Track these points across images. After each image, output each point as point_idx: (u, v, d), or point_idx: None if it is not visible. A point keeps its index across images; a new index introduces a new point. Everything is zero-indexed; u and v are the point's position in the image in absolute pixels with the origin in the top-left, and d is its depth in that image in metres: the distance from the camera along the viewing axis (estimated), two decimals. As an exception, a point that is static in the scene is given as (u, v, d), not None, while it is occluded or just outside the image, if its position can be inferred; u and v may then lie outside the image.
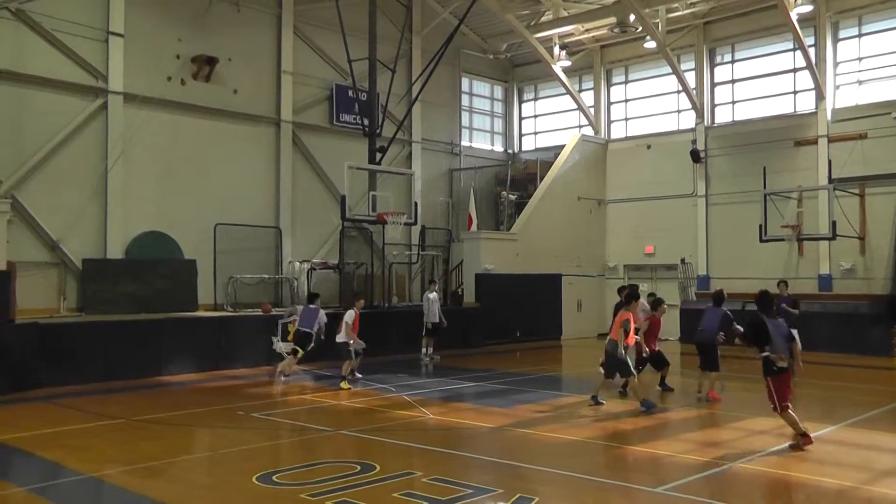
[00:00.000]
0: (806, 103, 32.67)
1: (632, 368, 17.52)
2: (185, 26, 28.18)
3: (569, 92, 38.56)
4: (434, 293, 26.98)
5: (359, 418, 16.43)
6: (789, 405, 13.49)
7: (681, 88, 35.35)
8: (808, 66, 31.21)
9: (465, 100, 40.06)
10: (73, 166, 25.55)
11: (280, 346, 23.44)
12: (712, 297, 19.77)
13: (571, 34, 37.72)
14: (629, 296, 18.08)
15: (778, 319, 13.84)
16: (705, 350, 18.93)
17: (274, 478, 11.48)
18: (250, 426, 15.69)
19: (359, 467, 11.96)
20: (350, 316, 21.16)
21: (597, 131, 38.63)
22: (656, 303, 19.52)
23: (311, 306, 21.96)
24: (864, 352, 27.25)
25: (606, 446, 14.18)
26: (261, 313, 25.78)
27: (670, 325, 31.63)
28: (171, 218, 27.45)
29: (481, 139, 41.23)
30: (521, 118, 42.85)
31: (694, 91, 35.00)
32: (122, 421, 16.20)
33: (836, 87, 31.90)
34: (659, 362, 19.70)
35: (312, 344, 21.71)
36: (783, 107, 33.44)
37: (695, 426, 16.17)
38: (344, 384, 20.59)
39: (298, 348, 21.72)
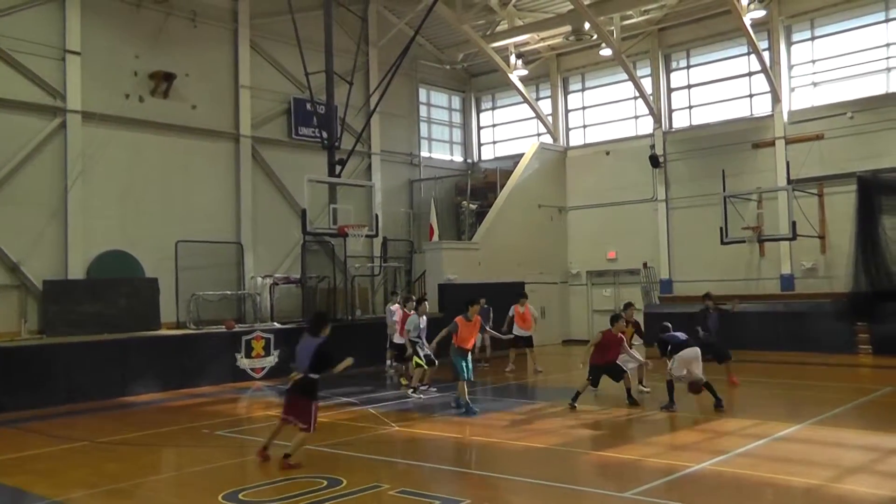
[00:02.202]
0: (762, 106, 32.93)
1: (463, 374, 18.59)
2: (141, 43, 28.01)
3: (526, 101, 38.67)
4: (396, 305, 26.90)
5: (324, 433, 16.34)
6: (283, 418, 13.68)
7: (637, 94, 35.55)
8: (763, 70, 31.48)
9: (423, 110, 40.10)
10: (32, 187, 25.28)
11: (244, 362, 23.42)
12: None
13: (527, 43, 37.81)
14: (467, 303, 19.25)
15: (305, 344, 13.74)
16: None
17: (240, 496, 11.41)
18: (216, 444, 15.59)
19: (325, 482, 11.91)
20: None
21: (555, 139, 38.73)
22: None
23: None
24: (827, 350, 27.54)
25: (573, 452, 14.18)
26: (224, 330, 25.69)
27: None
28: (131, 236, 27.23)
29: (440, 149, 41.25)
30: (479, 128, 42.92)
31: (651, 97, 35.18)
32: (87, 443, 16.06)
33: (792, 90, 32.20)
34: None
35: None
36: (740, 110, 33.69)
37: (661, 429, 16.22)
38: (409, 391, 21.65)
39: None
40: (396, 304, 26.45)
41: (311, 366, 13.27)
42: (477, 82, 42.34)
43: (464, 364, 18.57)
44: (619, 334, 19.19)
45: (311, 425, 13.23)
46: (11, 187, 24.93)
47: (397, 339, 23.00)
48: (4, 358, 20.50)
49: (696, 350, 17.92)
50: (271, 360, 25.56)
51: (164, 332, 25.68)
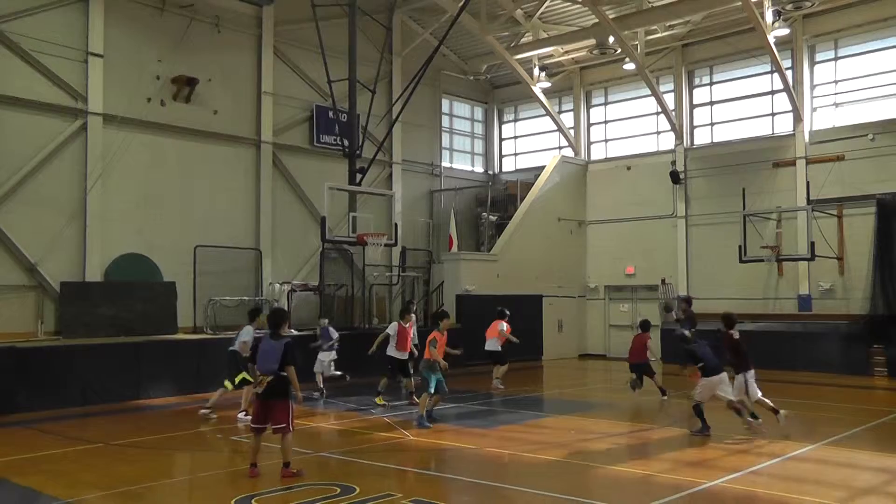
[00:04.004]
0: (784, 125, 32.84)
1: (432, 387, 18.45)
2: (165, 47, 28.11)
3: (549, 113, 38.66)
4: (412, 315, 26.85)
5: (339, 440, 16.39)
6: (255, 427, 13.33)
7: (660, 110, 35.46)
8: (786, 89, 31.39)
9: (445, 121, 40.15)
10: (51, 188, 25.40)
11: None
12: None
13: (551, 56, 37.85)
14: (438, 316, 20.22)
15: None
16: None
17: (253, 501, 11.42)
18: (230, 449, 15.62)
19: (338, 489, 11.90)
20: (393, 328, 21.78)
21: (577, 152, 38.71)
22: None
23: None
24: (843, 371, 27.44)
25: (587, 466, 14.13)
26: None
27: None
28: (150, 240, 27.32)
29: (461, 160, 41.30)
30: (501, 139, 42.95)
31: (673, 113, 35.13)
32: (101, 445, 16.10)
33: (814, 110, 32.09)
34: None
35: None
36: (761, 129, 33.60)
37: (674, 445, 16.15)
38: (378, 399, 21.20)
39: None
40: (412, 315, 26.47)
41: (281, 365, 13.01)
42: (500, 94, 42.38)
43: (434, 377, 18.62)
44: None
45: (289, 424, 13.03)
46: (31, 188, 25.05)
47: (391, 352, 22.30)
48: (20, 359, 20.55)
49: (724, 375, 17.05)
50: (287, 366, 25.46)
51: (180, 336, 25.73)
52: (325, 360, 23.35)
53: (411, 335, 21.43)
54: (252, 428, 13.38)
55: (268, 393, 13.10)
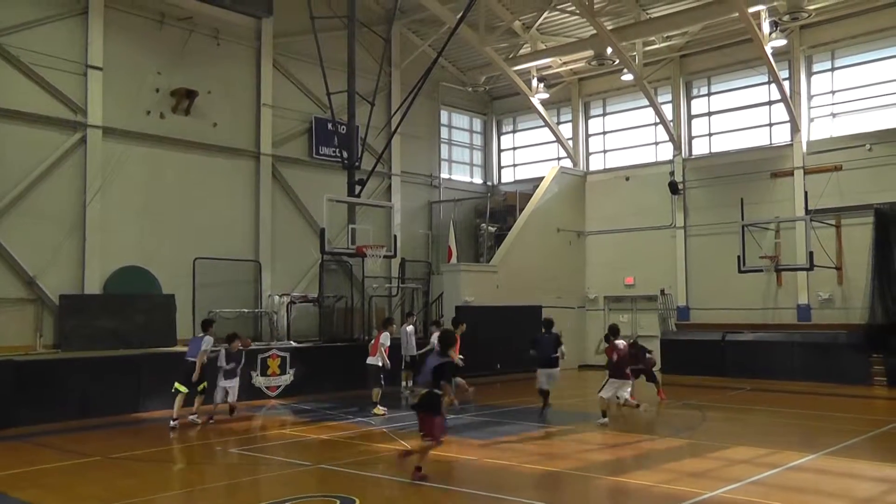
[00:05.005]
0: (781, 135, 32.91)
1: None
2: (164, 59, 28.18)
3: (547, 124, 38.69)
4: (411, 326, 26.90)
5: (338, 452, 16.35)
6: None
7: (658, 121, 35.49)
8: (783, 99, 31.46)
9: (444, 132, 40.20)
10: (50, 201, 25.42)
11: (260, 380, 23.46)
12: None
13: (549, 67, 37.89)
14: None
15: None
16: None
17: (252, 513, 11.44)
18: (229, 462, 15.60)
19: (338, 501, 11.89)
20: (386, 338, 22.36)
21: (575, 163, 38.73)
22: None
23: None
24: (842, 381, 27.40)
25: (587, 477, 14.13)
26: (240, 348, 25.65)
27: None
28: (149, 252, 27.32)
29: (461, 171, 41.33)
30: (499, 150, 42.98)
31: (671, 123, 35.16)
32: (100, 458, 16.06)
33: (811, 120, 32.15)
34: None
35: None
36: (759, 139, 33.68)
37: (675, 456, 16.14)
38: (378, 410, 21.45)
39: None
40: (412, 326, 26.57)
41: (433, 381, 13.52)
42: (498, 105, 42.43)
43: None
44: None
45: (435, 437, 13.53)
46: (30, 201, 25.08)
47: (379, 362, 22.39)
48: (19, 372, 20.51)
49: (550, 371, 22.37)
50: (286, 378, 25.52)
51: (179, 348, 25.65)
52: (227, 386, 21.41)
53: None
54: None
55: (419, 404, 13.71)
